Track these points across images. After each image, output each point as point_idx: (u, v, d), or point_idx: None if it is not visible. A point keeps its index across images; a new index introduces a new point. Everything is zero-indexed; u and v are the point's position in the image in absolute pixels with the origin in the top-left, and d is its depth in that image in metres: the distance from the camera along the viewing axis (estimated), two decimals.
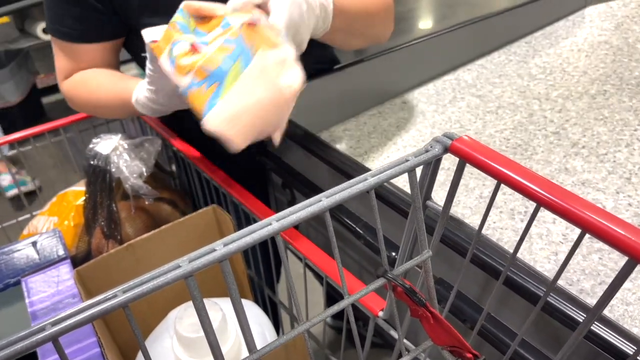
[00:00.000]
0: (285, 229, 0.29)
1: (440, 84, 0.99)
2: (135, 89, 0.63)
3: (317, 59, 0.87)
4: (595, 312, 0.31)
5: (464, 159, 0.33)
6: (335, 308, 0.34)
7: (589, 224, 0.28)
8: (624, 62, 0.97)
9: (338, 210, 0.69)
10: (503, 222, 0.66)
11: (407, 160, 0.34)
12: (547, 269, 0.58)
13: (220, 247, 0.28)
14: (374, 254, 0.66)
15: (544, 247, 0.61)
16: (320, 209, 0.30)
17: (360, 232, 0.66)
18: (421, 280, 0.40)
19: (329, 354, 0.64)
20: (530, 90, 0.93)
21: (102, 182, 0.68)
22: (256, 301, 0.73)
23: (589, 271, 0.57)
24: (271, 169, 0.83)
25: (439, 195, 0.72)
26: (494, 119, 0.86)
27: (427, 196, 0.39)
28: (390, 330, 0.52)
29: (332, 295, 0.58)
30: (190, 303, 0.55)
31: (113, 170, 0.67)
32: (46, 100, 3.11)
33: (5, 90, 2.64)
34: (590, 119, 0.83)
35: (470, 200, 0.69)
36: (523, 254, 0.61)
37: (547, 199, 0.30)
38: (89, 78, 0.75)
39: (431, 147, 0.35)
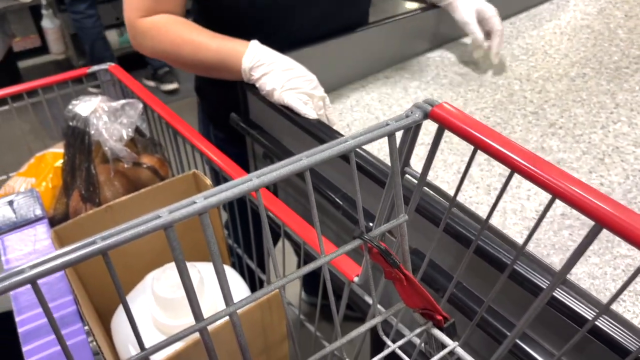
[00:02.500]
0: (265, 184, 0.29)
1: (424, 61, 0.99)
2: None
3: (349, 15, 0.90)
4: (561, 276, 0.33)
5: (443, 125, 0.34)
6: (312, 266, 0.35)
7: (558, 189, 0.29)
8: (604, 47, 0.98)
9: (318, 180, 0.69)
10: (479, 197, 0.67)
11: (387, 125, 0.34)
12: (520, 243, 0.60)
13: (201, 200, 0.28)
14: (353, 225, 0.67)
15: (517, 222, 0.63)
16: (300, 167, 0.31)
17: (339, 202, 0.67)
18: (397, 245, 0.41)
19: (304, 320, 0.65)
20: (512, 71, 0.94)
21: (80, 144, 0.67)
22: (235, 269, 0.74)
23: (558, 246, 0.59)
24: (253, 138, 0.83)
25: (418, 168, 0.73)
26: (475, 97, 0.87)
27: (406, 162, 0.39)
28: (364, 297, 0.53)
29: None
30: (168, 265, 0.55)
31: (92, 132, 0.67)
32: (22, 64, 3.03)
33: None
34: (569, 100, 0.84)
35: (448, 175, 0.71)
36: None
37: (520, 165, 0.31)
38: (182, 25, 0.79)
39: (411, 112, 0.35)
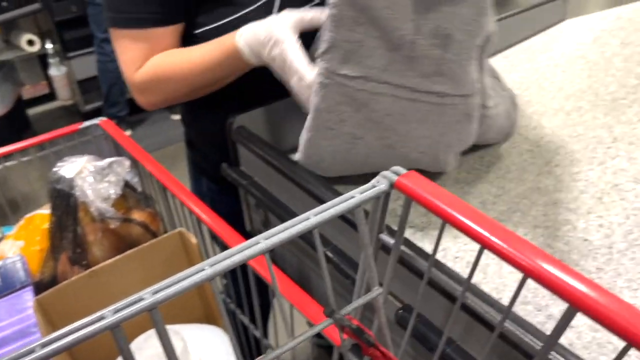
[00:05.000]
0: (218, 274, 0.28)
1: None
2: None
3: None
4: (548, 348, 0.30)
5: (409, 197, 0.33)
6: (296, 341, 0.33)
7: (532, 270, 0.27)
8: (599, 77, 0.97)
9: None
10: (474, 244, 0.65)
11: (352, 197, 0.33)
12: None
13: (149, 296, 0.27)
14: (345, 279, 0.65)
15: (514, 270, 0.60)
16: (256, 252, 0.29)
17: (330, 255, 0.65)
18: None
19: None
20: None
21: (66, 206, 0.66)
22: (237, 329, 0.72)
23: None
24: (245, 189, 0.82)
25: (410, 217, 0.71)
26: None
27: (380, 229, 0.38)
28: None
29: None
30: (149, 333, 0.54)
31: (77, 194, 0.66)
32: (32, 111, 3.09)
33: None
34: (565, 136, 0.82)
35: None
36: (493, 278, 0.60)
37: (491, 242, 0.29)
38: (169, 55, 0.75)
39: (377, 182, 0.34)
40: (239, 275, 0.69)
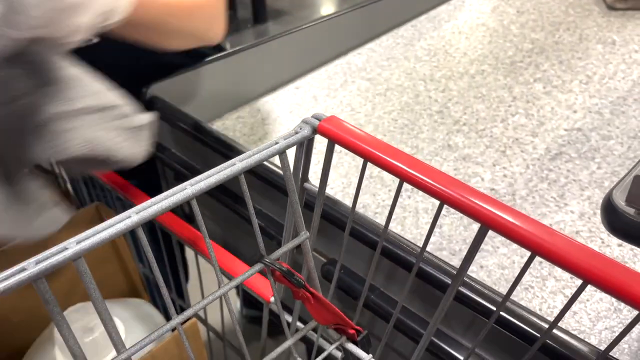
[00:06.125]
0: (145, 220, 0.28)
1: (332, 69, 1.00)
2: None
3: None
4: (458, 277, 0.33)
5: (332, 139, 0.34)
6: (217, 294, 0.33)
7: (447, 196, 0.29)
8: (499, 43, 1.03)
9: (227, 195, 0.68)
10: (392, 199, 0.68)
11: (276, 143, 0.33)
12: (432, 240, 0.61)
13: (73, 245, 0.26)
14: (268, 239, 0.66)
15: (430, 220, 0.64)
16: (184, 197, 0.29)
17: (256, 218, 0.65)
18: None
19: (227, 345, 0.63)
20: (417, 72, 0.96)
21: None
22: (155, 301, 0.70)
23: (469, 240, 0.61)
24: (163, 162, 0.80)
25: (331, 177, 0.73)
26: (382, 100, 0.89)
27: (304, 178, 0.39)
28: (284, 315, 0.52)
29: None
30: (74, 307, 0.51)
31: None
32: None
33: None
34: (470, 97, 0.87)
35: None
36: (410, 229, 0.63)
37: (409, 174, 0.31)
38: None
39: (300, 128, 0.35)
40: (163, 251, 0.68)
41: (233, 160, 0.32)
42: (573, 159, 0.72)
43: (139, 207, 0.28)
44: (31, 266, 0.25)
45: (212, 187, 0.30)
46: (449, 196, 0.29)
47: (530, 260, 0.28)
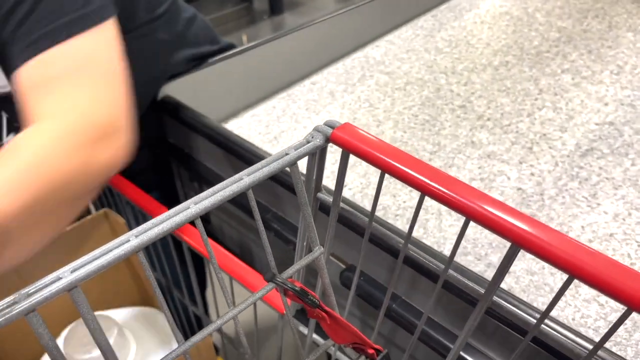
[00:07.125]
0: (144, 245, 0.26)
1: (350, 63, 0.97)
2: None
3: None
4: (491, 290, 0.30)
5: (346, 149, 0.31)
6: (229, 315, 0.31)
7: (472, 212, 0.27)
8: (524, 32, 0.99)
9: (243, 200, 0.66)
10: (413, 200, 0.65)
11: (286, 154, 0.31)
12: None
13: (67, 274, 0.24)
14: (292, 249, 0.64)
15: (453, 223, 0.61)
16: (187, 217, 0.27)
17: (271, 223, 0.63)
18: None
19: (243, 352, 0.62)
20: (437, 65, 0.93)
21: None
22: (173, 309, 0.69)
23: (495, 244, 0.58)
24: (177, 163, 0.78)
25: (349, 177, 0.70)
26: (402, 95, 0.85)
27: (318, 188, 0.36)
28: (299, 327, 0.50)
29: None
30: (78, 321, 0.50)
31: None
32: None
33: None
34: (494, 90, 0.84)
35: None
36: (433, 232, 0.60)
37: (430, 187, 0.28)
38: None
39: (312, 137, 0.32)
40: (172, 251, 0.66)
41: (240, 174, 0.30)
42: (605, 155, 0.68)
43: (139, 229, 0.26)
44: (22, 298, 0.23)
45: (216, 206, 0.28)
46: (474, 212, 0.27)
47: (568, 283, 0.26)
